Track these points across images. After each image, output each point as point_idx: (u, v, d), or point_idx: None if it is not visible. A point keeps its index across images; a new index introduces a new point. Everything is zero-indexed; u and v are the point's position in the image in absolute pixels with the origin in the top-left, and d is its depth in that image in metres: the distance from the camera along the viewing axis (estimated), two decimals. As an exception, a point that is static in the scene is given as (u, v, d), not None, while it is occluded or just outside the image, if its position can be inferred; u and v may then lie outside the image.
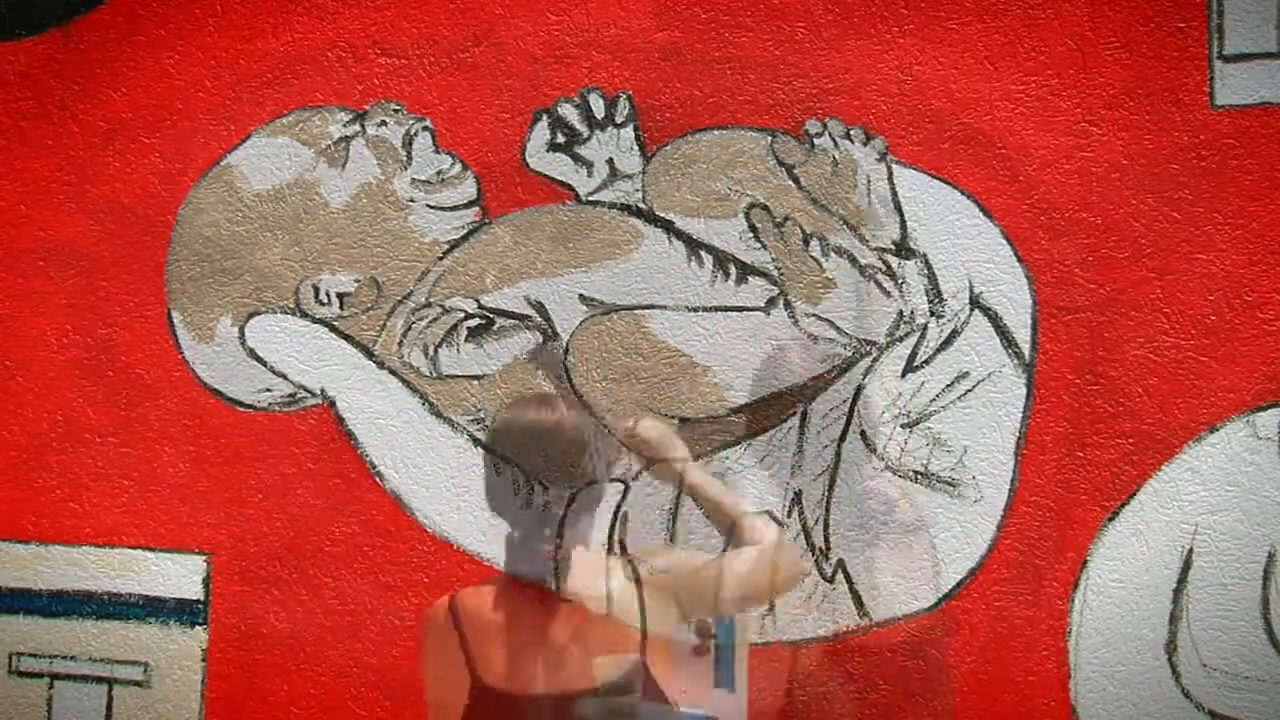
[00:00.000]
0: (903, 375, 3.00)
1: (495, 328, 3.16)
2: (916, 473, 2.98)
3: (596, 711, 2.45)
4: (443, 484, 3.17)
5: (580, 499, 2.49)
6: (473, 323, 3.17)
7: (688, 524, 2.96)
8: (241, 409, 3.29)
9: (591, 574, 2.42)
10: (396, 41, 3.24)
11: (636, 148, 3.13)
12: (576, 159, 3.15)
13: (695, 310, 3.08)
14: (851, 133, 3.03)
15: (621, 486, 3.11)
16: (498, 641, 2.46)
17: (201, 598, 3.29)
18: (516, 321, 3.15)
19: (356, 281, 3.23)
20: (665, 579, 2.42)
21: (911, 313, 3.00)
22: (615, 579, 2.42)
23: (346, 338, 3.24)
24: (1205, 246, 2.88)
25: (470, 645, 2.50)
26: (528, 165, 3.17)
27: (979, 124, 2.98)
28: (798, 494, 3.03)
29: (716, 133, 3.09)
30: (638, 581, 2.40)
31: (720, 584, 2.45)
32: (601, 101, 3.14)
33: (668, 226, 3.11)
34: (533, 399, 2.79)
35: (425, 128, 3.22)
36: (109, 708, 3.33)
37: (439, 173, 3.21)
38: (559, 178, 3.16)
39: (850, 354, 3.02)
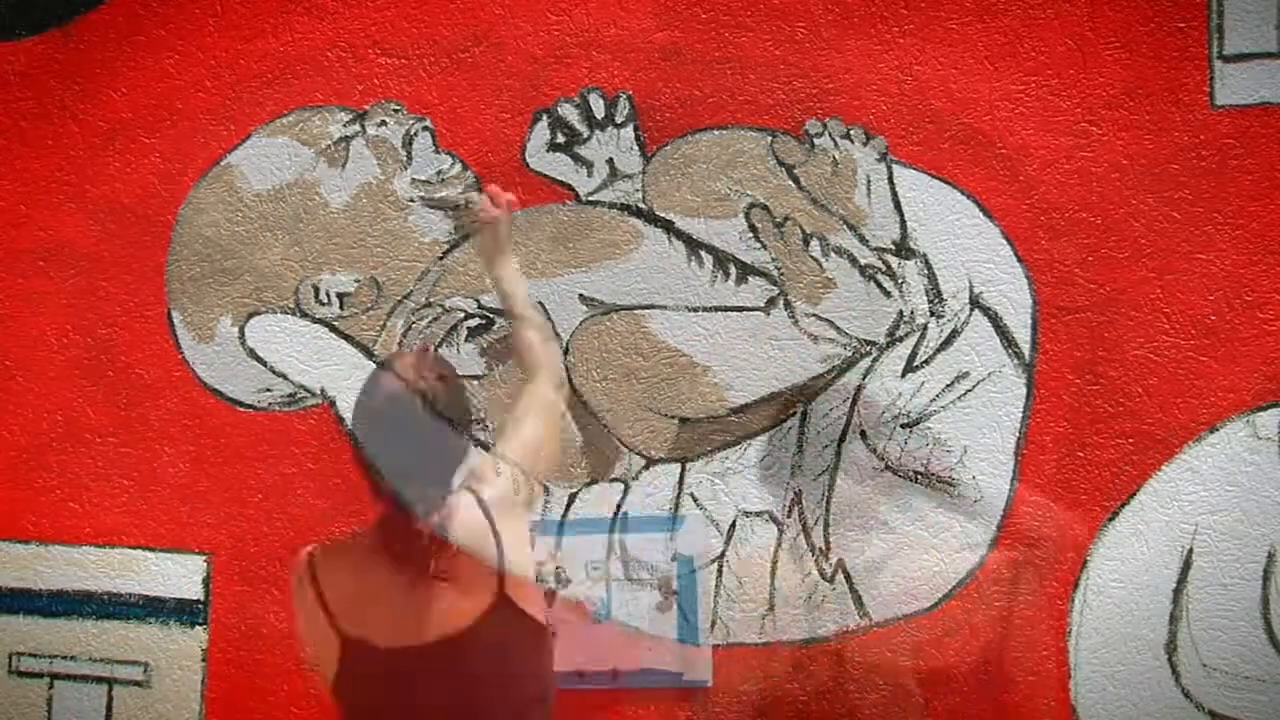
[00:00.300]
0: (903, 375, 3.00)
1: (495, 328, 3.16)
2: (916, 473, 2.98)
3: None
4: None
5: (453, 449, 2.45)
6: (473, 323, 3.17)
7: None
8: (241, 409, 3.29)
9: (462, 519, 2.39)
10: (396, 41, 3.24)
11: (636, 148, 3.13)
12: (576, 159, 3.15)
13: (695, 310, 3.08)
14: (851, 133, 3.03)
15: (621, 486, 3.11)
16: (360, 594, 2.41)
17: (201, 598, 3.29)
18: (516, 321, 3.15)
19: (356, 281, 3.23)
20: (506, 492, 2.38)
21: (911, 313, 3.00)
22: (466, 514, 2.36)
23: (346, 338, 3.24)
24: (1205, 246, 2.88)
25: (329, 600, 2.45)
26: (528, 165, 3.17)
27: (979, 124, 2.98)
28: (798, 494, 3.03)
29: (716, 133, 3.09)
30: (486, 513, 2.35)
31: (536, 457, 2.44)
32: (601, 101, 3.14)
33: (668, 226, 3.11)
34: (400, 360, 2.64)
35: (425, 128, 3.22)
36: (109, 708, 3.33)
37: (439, 173, 3.21)
38: (559, 178, 3.16)
39: (850, 354, 3.02)
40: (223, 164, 3.31)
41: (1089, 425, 2.92)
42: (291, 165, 3.27)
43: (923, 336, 2.99)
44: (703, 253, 3.08)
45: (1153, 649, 2.87)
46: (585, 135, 3.14)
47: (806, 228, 3.04)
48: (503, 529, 2.34)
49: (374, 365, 2.57)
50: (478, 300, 3.17)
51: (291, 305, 3.26)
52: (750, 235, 3.06)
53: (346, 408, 3.23)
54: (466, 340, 3.17)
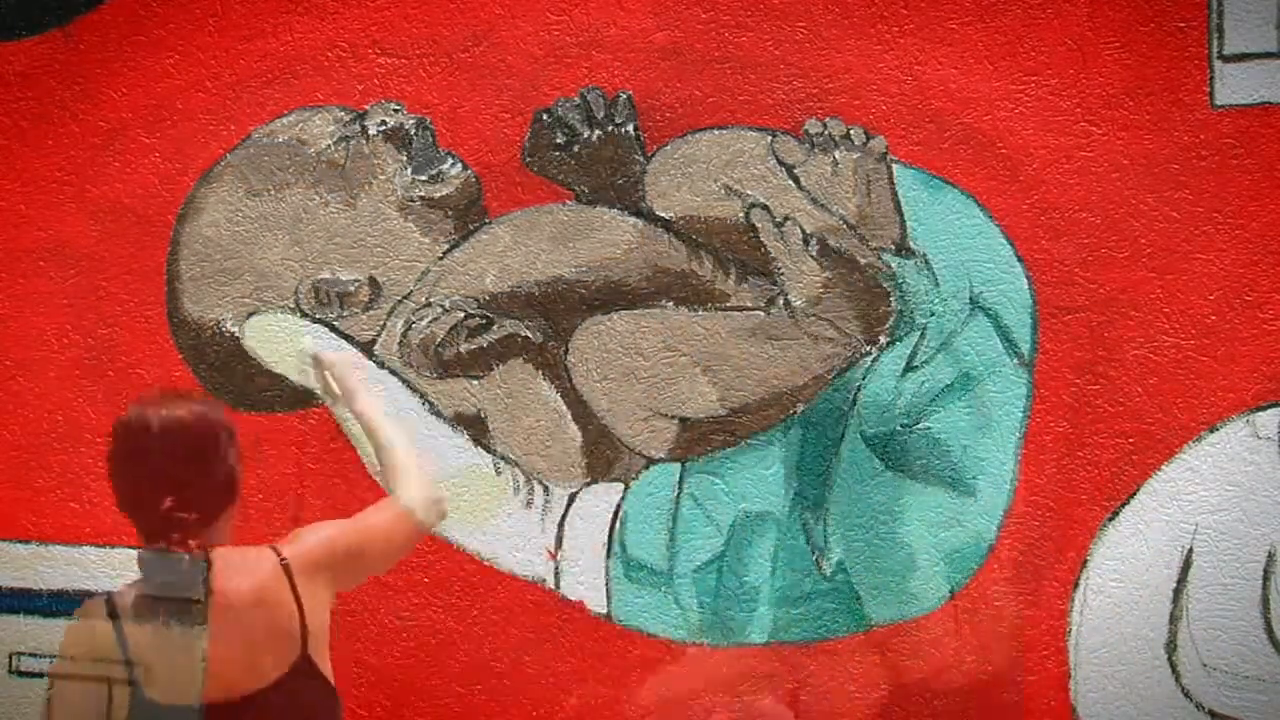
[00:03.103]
0: (903, 375, 3.00)
1: (495, 327, 3.16)
2: (916, 473, 2.98)
3: None
4: (443, 484, 3.17)
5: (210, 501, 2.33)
6: (473, 323, 3.17)
7: None
8: (242, 409, 3.28)
9: (239, 571, 2.31)
10: (396, 41, 3.24)
11: (636, 148, 3.13)
12: (577, 159, 3.15)
13: (695, 310, 3.08)
14: (851, 133, 3.03)
15: (621, 486, 3.11)
16: (160, 650, 2.32)
17: (201, 598, 3.29)
18: (516, 321, 3.15)
19: (356, 281, 3.23)
20: (313, 557, 2.31)
21: (911, 313, 3.00)
22: (263, 571, 2.29)
23: (346, 338, 3.24)
24: (1205, 246, 2.88)
25: (134, 655, 2.30)
26: (527, 165, 3.17)
27: (979, 124, 2.98)
28: (798, 494, 3.03)
29: (716, 133, 3.09)
30: (286, 570, 2.29)
31: (365, 548, 2.35)
32: (601, 101, 3.14)
33: (668, 226, 3.11)
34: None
35: (425, 127, 3.22)
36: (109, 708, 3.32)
37: (439, 173, 3.21)
38: (559, 178, 3.16)
39: (850, 354, 3.02)
40: (223, 164, 3.31)
41: (1089, 425, 2.92)
42: (291, 165, 3.27)
43: (923, 336, 2.99)
44: (703, 253, 3.08)
45: (1153, 649, 2.87)
46: (585, 135, 3.14)
47: (806, 228, 3.04)
48: (305, 589, 2.27)
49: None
50: (478, 300, 3.17)
51: (291, 305, 3.26)
52: (750, 235, 3.06)
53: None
54: (466, 340, 3.17)
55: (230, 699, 2.27)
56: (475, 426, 3.15)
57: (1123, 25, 2.93)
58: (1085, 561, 2.90)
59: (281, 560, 2.28)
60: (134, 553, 3.32)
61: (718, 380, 3.06)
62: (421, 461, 2.41)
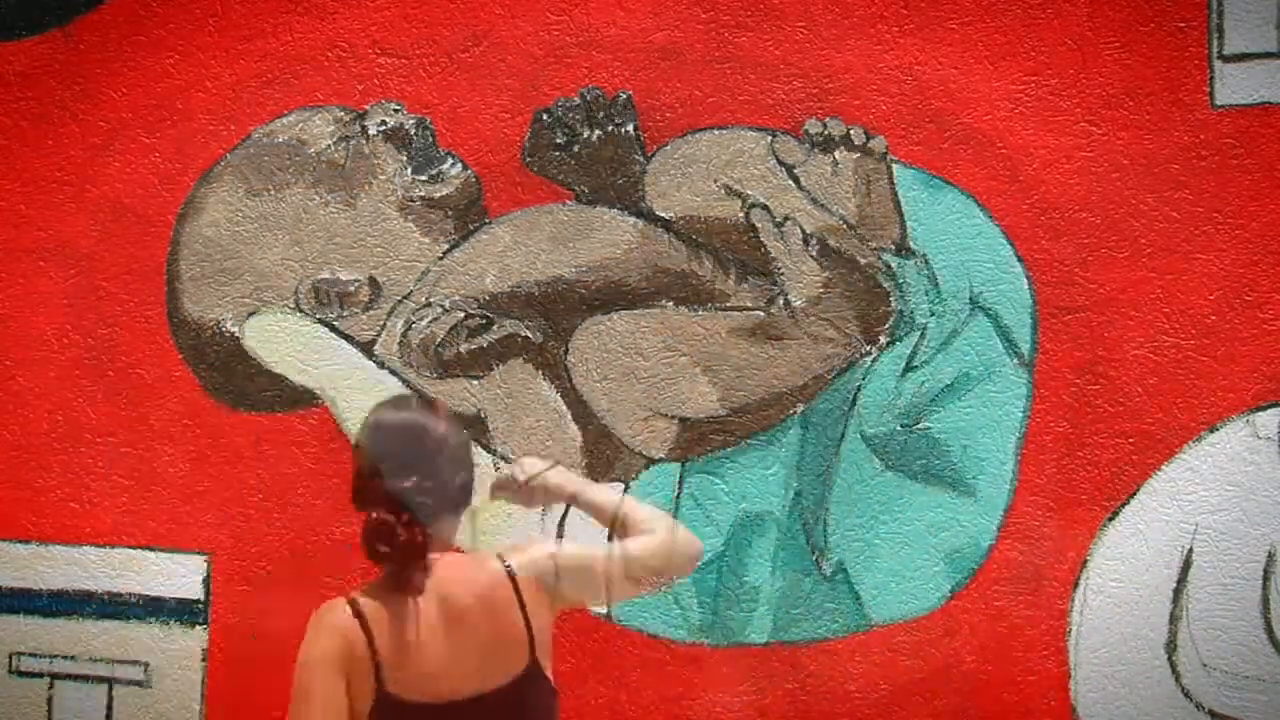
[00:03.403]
0: (903, 375, 3.00)
1: (495, 328, 3.16)
2: (916, 473, 2.98)
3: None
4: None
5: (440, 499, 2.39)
6: (473, 323, 3.17)
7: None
8: (242, 409, 3.29)
9: (462, 576, 2.36)
10: (396, 41, 3.24)
11: (636, 148, 3.13)
12: (577, 159, 3.15)
13: (695, 310, 3.08)
14: (851, 133, 3.03)
15: (621, 487, 3.11)
16: (404, 648, 2.37)
17: (201, 598, 3.29)
18: (516, 321, 3.15)
19: (356, 281, 3.23)
20: (537, 569, 2.35)
21: (911, 313, 3.00)
22: (487, 576, 2.34)
23: (346, 338, 3.24)
24: (1205, 246, 2.89)
25: (379, 654, 2.33)
26: (527, 165, 3.17)
27: (979, 124, 2.98)
28: (798, 494, 3.03)
29: (716, 133, 3.09)
30: (512, 578, 2.34)
31: (612, 572, 2.38)
32: (601, 101, 3.14)
33: (668, 226, 3.11)
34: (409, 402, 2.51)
35: (425, 127, 3.22)
36: (109, 707, 3.33)
37: (439, 172, 3.21)
38: (559, 178, 3.16)
39: (850, 354, 3.02)
40: (223, 164, 3.32)
41: (1089, 425, 2.92)
42: (291, 165, 3.27)
43: (923, 336, 2.99)
44: (703, 253, 3.09)
45: (1153, 649, 2.87)
46: (585, 135, 3.14)
47: (806, 228, 3.04)
48: (529, 597, 2.33)
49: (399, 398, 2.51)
50: (478, 300, 3.17)
51: (291, 305, 3.26)
52: (750, 235, 3.06)
53: (347, 408, 3.24)
54: (466, 340, 3.17)
55: (456, 699, 2.30)
56: (475, 426, 3.15)
57: (1123, 25, 2.93)
58: (1085, 561, 2.90)
59: (506, 567, 2.31)
60: (134, 553, 3.33)
61: (718, 380, 3.06)
62: (664, 523, 2.41)
